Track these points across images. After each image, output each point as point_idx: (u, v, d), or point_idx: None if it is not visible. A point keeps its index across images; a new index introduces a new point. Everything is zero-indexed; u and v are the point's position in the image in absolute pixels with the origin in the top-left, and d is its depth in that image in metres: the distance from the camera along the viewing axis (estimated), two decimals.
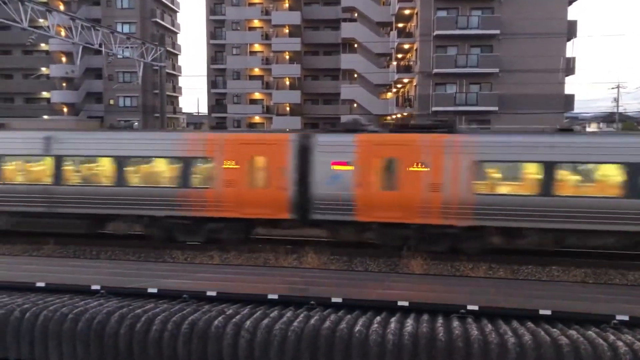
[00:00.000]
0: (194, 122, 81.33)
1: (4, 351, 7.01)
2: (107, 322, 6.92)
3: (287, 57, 61.65)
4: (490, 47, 40.12)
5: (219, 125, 48.25)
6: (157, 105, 48.62)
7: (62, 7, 60.16)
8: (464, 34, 39.57)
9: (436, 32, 39.63)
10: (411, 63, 46.06)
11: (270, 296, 7.76)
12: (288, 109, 62.22)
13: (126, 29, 60.34)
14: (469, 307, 7.23)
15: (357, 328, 6.66)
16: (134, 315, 7.05)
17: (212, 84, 67.39)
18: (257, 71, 64.49)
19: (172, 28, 71.24)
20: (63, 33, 30.48)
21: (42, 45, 63.23)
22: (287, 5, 61.85)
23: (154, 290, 7.96)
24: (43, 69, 68.75)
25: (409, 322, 6.79)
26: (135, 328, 6.89)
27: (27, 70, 70.28)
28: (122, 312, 7.07)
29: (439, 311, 7.26)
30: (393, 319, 6.94)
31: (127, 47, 32.32)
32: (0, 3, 21.44)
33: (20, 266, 10.79)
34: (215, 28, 67.21)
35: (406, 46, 46.85)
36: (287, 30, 61.16)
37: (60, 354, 6.92)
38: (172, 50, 67.95)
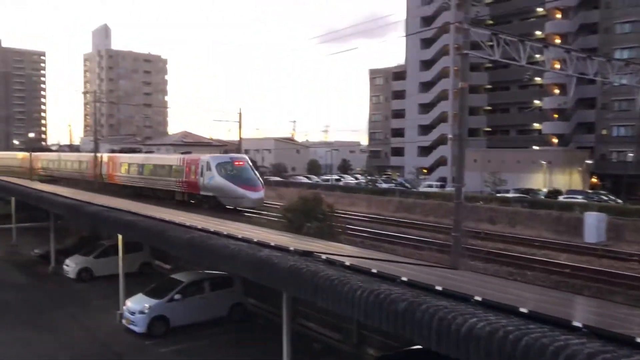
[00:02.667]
0: None
1: None
2: None
3: None
4: None
5: None
6: None
7: (558, 41, 61.49)
8: None
9: None
10: None
11: None
12: None
13: (625, 54, 56.81)
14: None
15: None
16: None
17: None
18: None
19: None
20: (557, 66, 31.07)
21: (537, 79, 66.09)
22: None
23: None
24: (536, 101, 71.80)
25: None
26: None
27: (521, 104, 74.76)
28: (605, 357, 6.61)
29: None
30: None
31: (626, 74, 30.39)
32: (503, 44, 23.50)
33: (506, 289, 11.46)
34: None
35: None
36: None
37: None
38: None
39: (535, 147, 67.84)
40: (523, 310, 7.41)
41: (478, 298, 7.84)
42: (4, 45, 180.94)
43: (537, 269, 20.48)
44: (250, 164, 37.17)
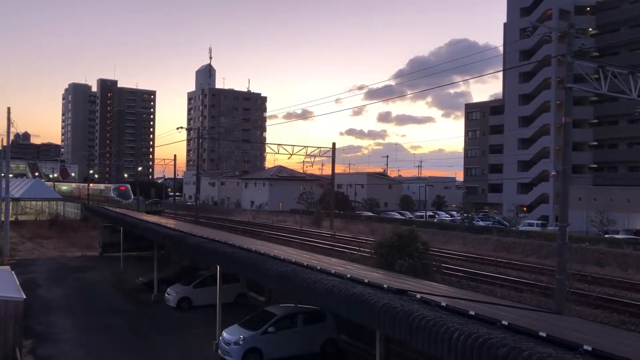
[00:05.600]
0: None
1: None
2: None
3: None
4: None
5: None
6: None
7: None
8: None
9: None
10: None
11: None
12: None
13: None
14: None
15: None
16: None
17: None
18: None
19: None
20: None
21: None
22: None
23: None
24: None
25: None
26: None
27: (632, 139, 70.24)
28: None
29: None
30: None
31: None
32: (611, 77, 22.29)
33: (618, 338, 10.57)
34: None
35: None
36: None
37: None
38: None
39: None
40: None
41: (588, 347, 7.27)
42: (119, 85, 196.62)
43: None
44: (129, 188, 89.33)
